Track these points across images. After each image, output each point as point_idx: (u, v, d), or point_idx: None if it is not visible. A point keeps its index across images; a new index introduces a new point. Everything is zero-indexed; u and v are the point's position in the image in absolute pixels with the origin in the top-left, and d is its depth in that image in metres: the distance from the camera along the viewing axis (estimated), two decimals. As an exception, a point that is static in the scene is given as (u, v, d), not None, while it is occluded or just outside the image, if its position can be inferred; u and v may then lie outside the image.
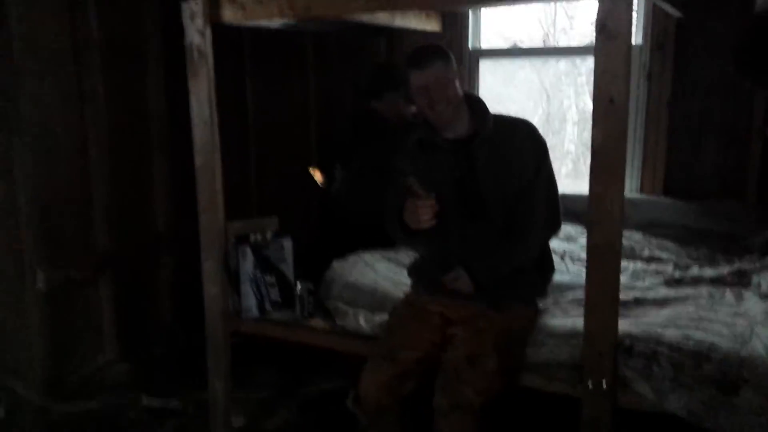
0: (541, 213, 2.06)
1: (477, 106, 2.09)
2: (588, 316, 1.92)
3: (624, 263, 2.68)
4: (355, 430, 2.07)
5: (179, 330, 3.59)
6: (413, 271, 2.29)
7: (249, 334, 2.49)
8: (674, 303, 2.25)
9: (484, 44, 3.46)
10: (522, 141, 2.06)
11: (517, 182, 2.04)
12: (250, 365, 3.08)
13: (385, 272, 2.57)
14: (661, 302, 2.26)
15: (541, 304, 2.22)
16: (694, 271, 2.56)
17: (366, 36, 3.42)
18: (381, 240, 2.87)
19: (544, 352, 2.03)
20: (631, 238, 2.85)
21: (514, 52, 3.46)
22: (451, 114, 2.02)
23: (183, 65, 2.30)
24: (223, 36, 2.38)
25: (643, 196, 3.06)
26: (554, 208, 2.09)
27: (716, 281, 2.43)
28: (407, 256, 2.68)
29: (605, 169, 1.83)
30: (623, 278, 2.47)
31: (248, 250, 2.33)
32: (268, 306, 2.40)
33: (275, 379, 3.04)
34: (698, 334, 1.95)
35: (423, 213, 1.94)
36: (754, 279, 2.39)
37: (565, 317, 2.16)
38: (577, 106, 5.38)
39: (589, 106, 5.63)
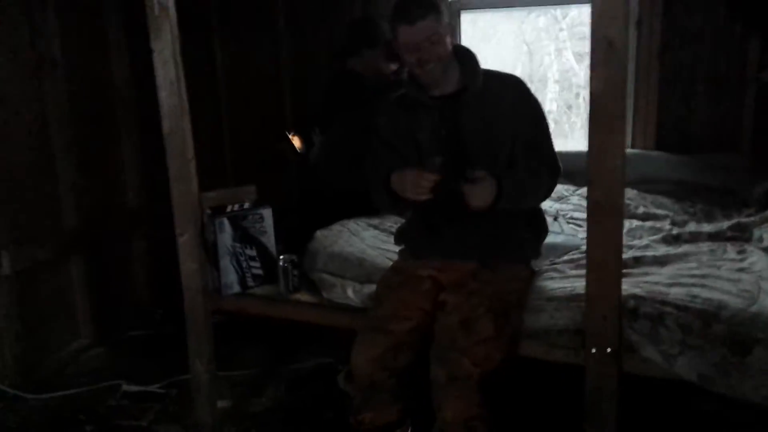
0: (554, 158, 1.96)
1: (467, 60, 1.95)
2: (590, 278, 1.81)
3: (619, 221, 2.59)
4: (347, 408, 1.95)
5: (157, 310, 3.45)
6: (400, 236, 2.17)
7: (231, 312, 2.36)
8: (675, 260, 2.15)
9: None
10: (512, 98, 1.92)
11: (508, 141, 1.92)
12: (233, 344, 2.95)
13: (372, 241, 2.44)
14: (662, 260, 2.16)
15: (536, 267, 2.11)
16: (692, 227, 2.46)
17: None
18: (365, 207, 2.74)
19: (544, 318, 1.92)
20: (625, 195, 2.73)
21: (499, 4, 3.29)
22: (441, 72, 1.88)
23: (145, 24, 2.12)
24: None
25: (636, 151, 2.95)
26: (556, 158, 1.98)
27: (715, 236, 2.33)
28: (394, 222, 2.56)
29: (605, 119, 1.70)
30: (619, 237, 2.38)
31: (226, 222, 2.19)
32: (250, 281, 2.27)
33: (261, 357, 2.92)
34: (705, 292, 1.85)
35: (423, 184, 1.82)
36: (756, 233, 2.30)
37: (563, 279, 2.06)
38: (558, 64, 5.24)
39: (570, 63, 5.46)
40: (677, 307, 1.81)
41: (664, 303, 1.83)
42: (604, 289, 1.80)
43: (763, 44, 2.66)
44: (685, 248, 2.25)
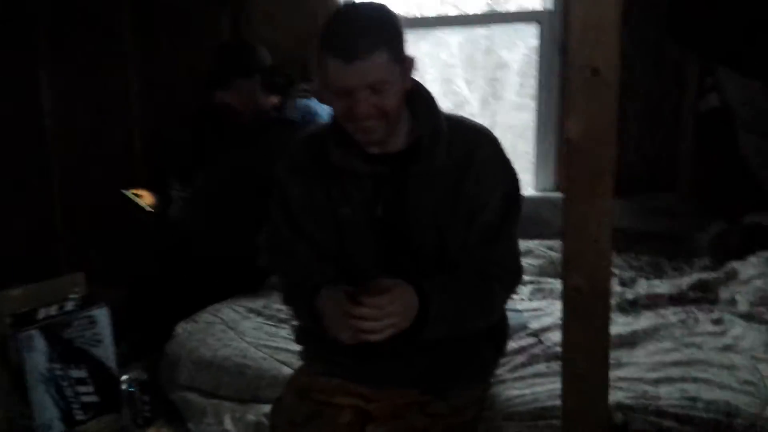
0: (514, 256, 1.37)
1: (422, 104, 1.31)
2: (568, 389, 1.31)
3: (553, 284, 2.15)
4: None
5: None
6: (305, 337, 1.49)
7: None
8: (645, 339, 1.74)
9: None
10: (480, 165, 1.29)
11: (463, 227, 1.31)
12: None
13: (255, 335, 1.82)
14: (629, 340, 1.73)
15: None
16: (644, 286, 2.06)
17: (202, 5, 2.62)
18: (242, 280, 2.14)
19: (505, 444, 1.40)
20: (557, 249, 2.31)
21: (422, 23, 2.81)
22: (385, 132, 1.25)
23: None
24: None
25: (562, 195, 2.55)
26: (517, 258, 1.40)
27: (677, 299, 1.94)
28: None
29: (588, 175, 1.22)
30: (560, 306, 1.94)
31: (36, 336, 1.49)
32: (79, 414, 1.56)
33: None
34: (703, 391, 1.44)
35: (365, 327, 1.14)
36: (722, 293, 1.94)
37: (519, 382, 1.56)
38: (449, 93, 4.86)
39: (462, 92, 5.05)
40: (678, 418, 1.38)
41: (659, 413, 1.38)
42: (587, 404, 1.31)
43: (701, 68, 2.32)
44: (648, 318, 1.85)
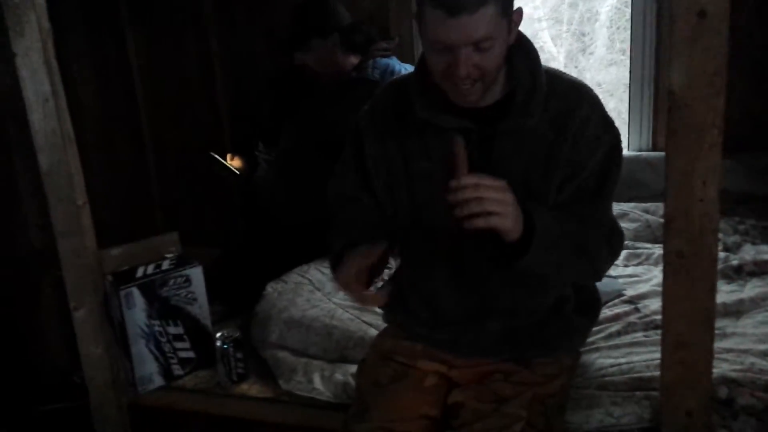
0: (609, 221, 1.25)
1: (521, 56, 1.19)
2: (668, 360, 1.25)
3: (651, 249, 2.05)
4: None
5: (77, 375, 2.77)
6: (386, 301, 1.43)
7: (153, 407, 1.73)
8: (752, 308, 1.63)
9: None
10: (579, 123, 1.17)
11: (554, 191, 1.20)
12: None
13: (343, 296, 1.83)
14: (734, 309, 1.63)
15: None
16: (750, 252, 1.93)
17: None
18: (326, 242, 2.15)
19: (597, 416, 1.35)
20: (654, 212, 2.20)
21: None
22: (482, 91, 1.15)
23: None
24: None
25: (661, 154, 2.40)
26: (614, 219, 1.28)
27: (788, 266, 1.81)
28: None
29: (693, 129, 1.13)
30: (657, 272, 1.85)
31: (135, 293, 1.56)
32: (177, 369, 1.65)
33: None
34: (820, 366, 1.32)
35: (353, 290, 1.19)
36: (840, 260, 1.79)
37: (613, 350, 1.50)
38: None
39: (548, 47, 4.82)
40: (790, 393, 1.27)
41: (769, 389, 1.29)
42: (689, 376, 1.24)
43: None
44: (755, 286, 1.73)
